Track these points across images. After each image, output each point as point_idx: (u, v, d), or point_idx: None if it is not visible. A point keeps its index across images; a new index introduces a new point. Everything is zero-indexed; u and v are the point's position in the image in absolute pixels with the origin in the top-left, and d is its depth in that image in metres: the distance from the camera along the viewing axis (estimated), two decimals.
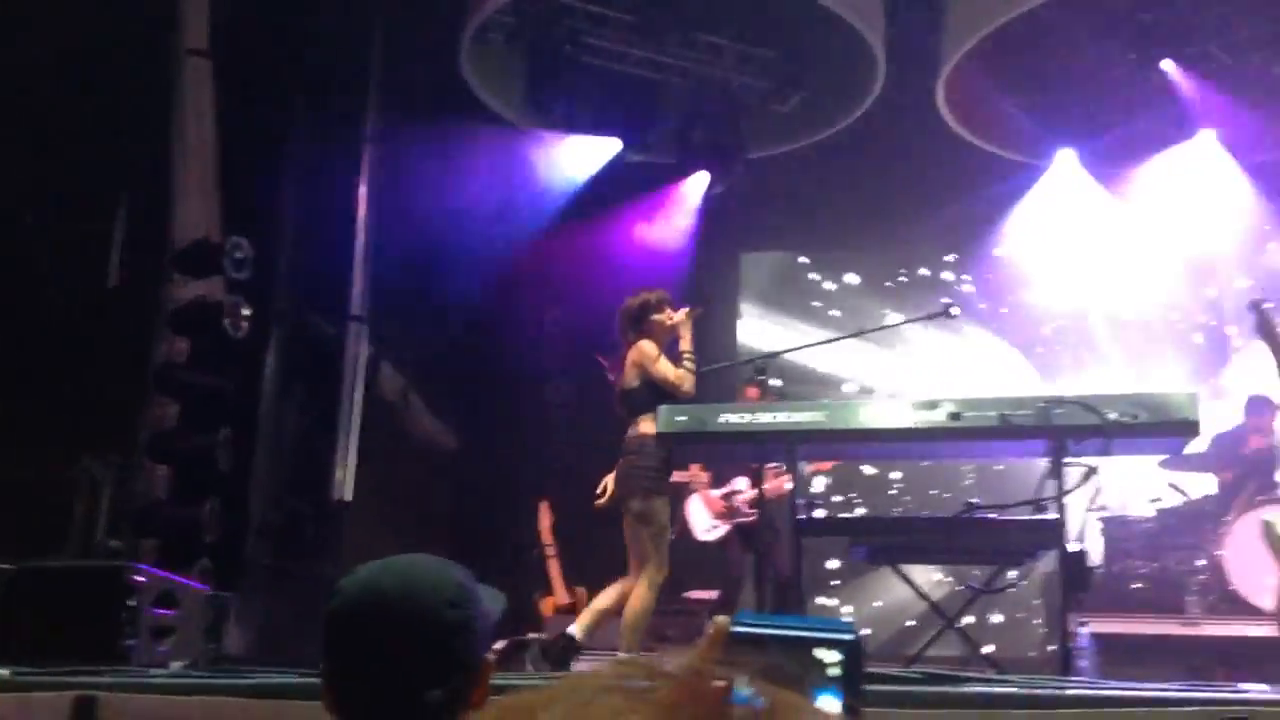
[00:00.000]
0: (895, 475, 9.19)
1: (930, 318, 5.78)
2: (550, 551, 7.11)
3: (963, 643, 4.89)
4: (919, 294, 9.41)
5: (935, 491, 8.89)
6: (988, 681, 3.50)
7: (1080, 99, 8.49)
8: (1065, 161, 8.77)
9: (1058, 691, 3.15)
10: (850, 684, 0.82)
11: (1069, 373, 8.75)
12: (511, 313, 8.64)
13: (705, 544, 7.17)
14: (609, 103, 8.19)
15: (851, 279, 9.76)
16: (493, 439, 8.36)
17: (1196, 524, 7.22)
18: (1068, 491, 4.26)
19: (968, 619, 5.03)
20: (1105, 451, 4.36)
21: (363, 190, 7.18)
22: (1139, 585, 7.31)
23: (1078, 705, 3.11)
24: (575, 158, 8.39)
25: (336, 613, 1.57)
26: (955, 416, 4.38)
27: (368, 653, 1.54)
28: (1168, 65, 7.93)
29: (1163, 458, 7.12)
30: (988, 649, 6.31)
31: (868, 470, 8.95)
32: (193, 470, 5.60)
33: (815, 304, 9.76)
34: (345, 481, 6.55)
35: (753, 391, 7.52)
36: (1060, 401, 4.25)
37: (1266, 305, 4.79)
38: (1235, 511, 6.81)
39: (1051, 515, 4.22)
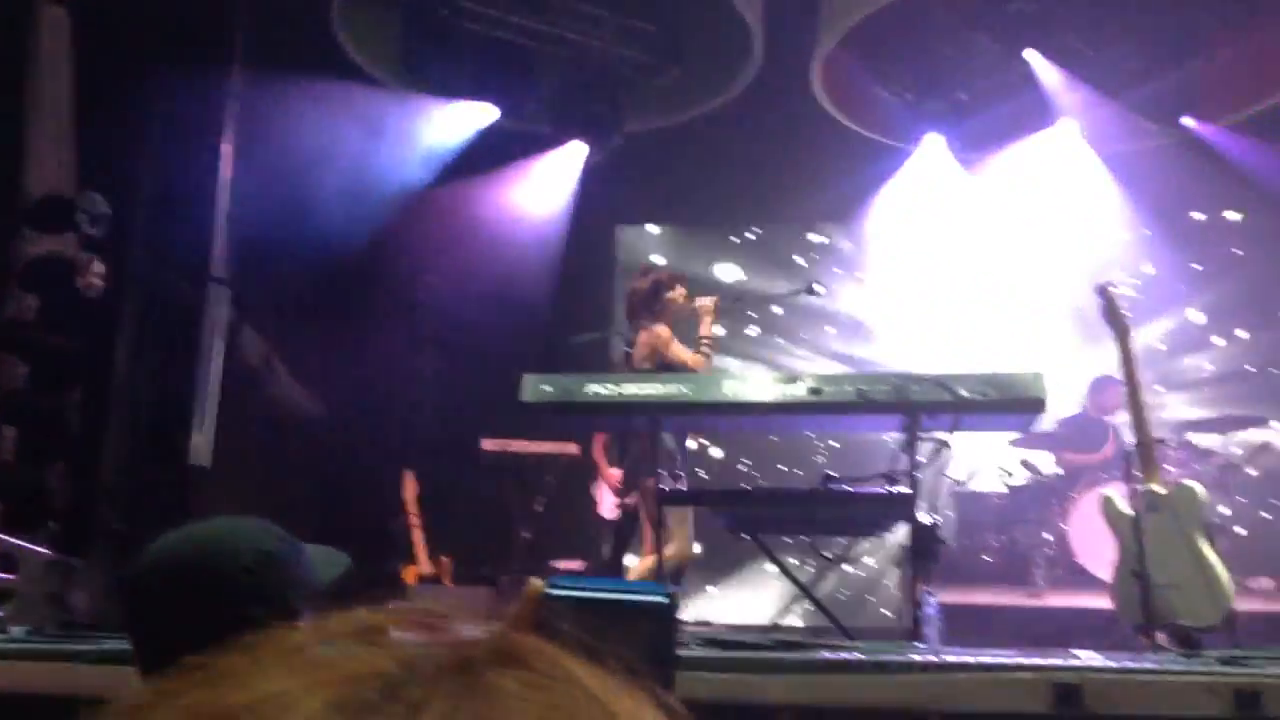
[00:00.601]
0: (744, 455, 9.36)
1: (794, 294, 5.87)
2: (414, 521, 7.07)
3: (819, 612, 5.00)
4: (787, 270, 9.58)
5: (784, 467, 9.05)
6: (836, 648, 3.60)
7: (948, 85, 8.68)
8: (932, 146, 8.98)
9: (902, 658, 3.26)
10: (660, 647, 0.84)
11: (928, 350, 8.99)
12: (380, 279, 8.52)
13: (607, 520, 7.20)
14: (485, 69, 8.08)
15: (725, 253, 9.87)
16: (359, 407, 8.25)
17: (1045, 500, 7.52)
18: (921, 465, 4.40)
19: (837, 590, 5.18)
20: (957, 427, 4.51)
21: (226, 149, 6.97)
22: (989, 558, 7.60)
23: (921, 670, 3.22)
24: (449, 123, 8.28)
25: (131, 578, 1.53)
26: (815, 391, 4.48)
27: (161, 619, 1.49)
28: (1031, 54, 8.16)
29: (1015, 436, 7.41)
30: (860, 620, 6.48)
31: (715, 453, 9.10)
32: (40, 432, 5.41)
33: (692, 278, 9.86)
34: (202, 447, 6.39)
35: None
36: (915, 378, 4.38)
37: (1114, 289, 4.98)
38: (1080, 488, 7.12)
39: (904, 488, 4.35)
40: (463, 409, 7.86)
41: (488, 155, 8.40)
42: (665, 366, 5.25)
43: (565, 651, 0.51)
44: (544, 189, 8.86)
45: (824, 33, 7.88)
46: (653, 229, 10.03)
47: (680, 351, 5.31)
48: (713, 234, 9.94)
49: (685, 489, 5.34)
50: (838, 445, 8.75)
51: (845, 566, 6.78)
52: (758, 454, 9.12)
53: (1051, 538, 7.28)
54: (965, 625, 6.96)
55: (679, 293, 5.47)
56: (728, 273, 9.75)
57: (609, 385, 4.50)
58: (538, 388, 4.53)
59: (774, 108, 8.60)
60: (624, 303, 5.59)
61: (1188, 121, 8.50)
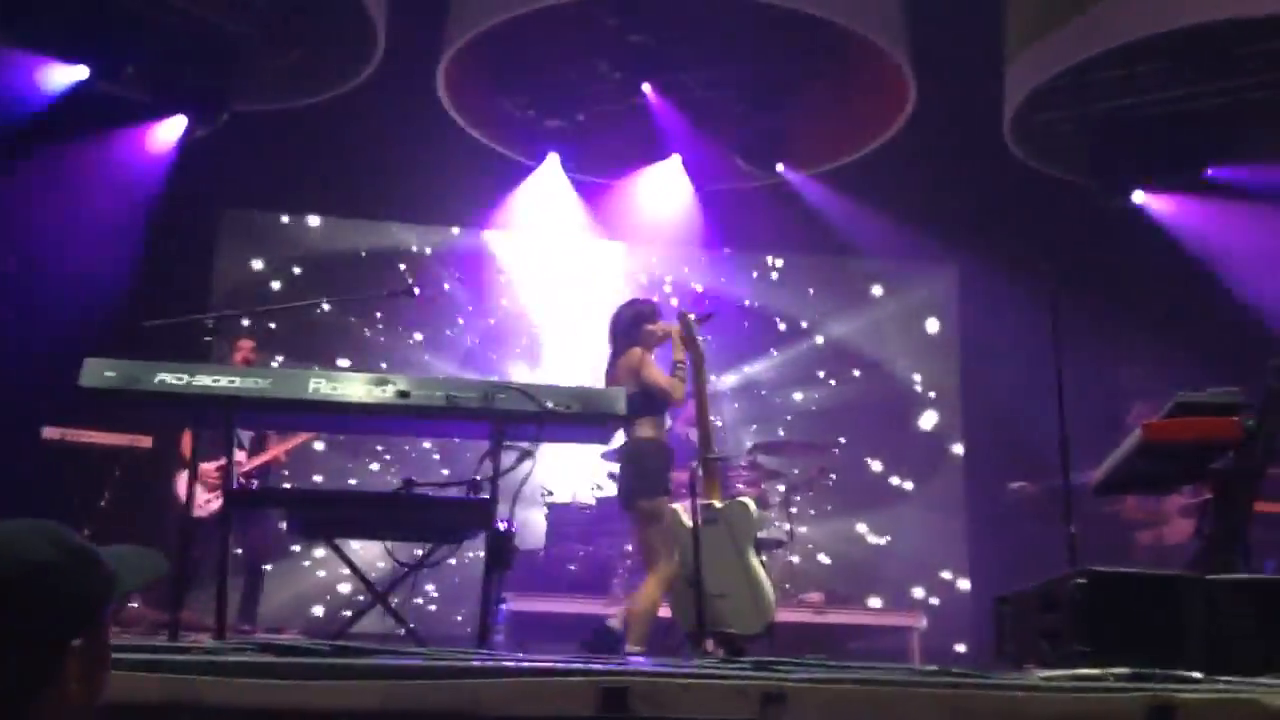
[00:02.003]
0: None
1: (393, 295, 5.79)
2: None
3: (392, 618, 4.93)
4: (389, 270, 9.52)
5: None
6: (397, 654, 3.55)
7: (568, 107, 8.92)
8: (551, 164, 9.18)
9: (457, 663, 3.26)
10: None
11: (520, 361, 9.19)
12: None
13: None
14: (81, 27, 7.44)
15: (329, 245, 9.64)
16: None
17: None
18: (504, 472, 4.44)
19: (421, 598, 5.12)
20: (540, 437, 4.59)
21: None
22: (574, 568, 7.81)
23: (473, 675, 3.22)
24: (33, 80, 7.54)
25: None
26: (404, 394, 4.41)
27: None
28: (647, 88, 8.52)
29: (605, 449, 7.66)
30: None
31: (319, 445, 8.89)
32: None
33: (296, 269, 9.55)
34: None
35: (245, 343, 7.21)
36: (503, 387, 4.42)
37: (692, 317, 5.27)
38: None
39: (484, 495, 4.37)
40: (27, 395, 7.16)
41: (77, 120, 7.71)
42: (644, 388, 5.44)
43: None
44: (139, 163, 8.24)
45: (450, 36, 7.87)
46: (257, 212, 9.63)
47: (655, 374, 5.50)
48: (328, 227, 9.70)
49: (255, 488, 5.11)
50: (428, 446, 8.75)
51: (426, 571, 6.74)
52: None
53: (631, 549, 7.58)
54: (546, 633, 7.14)
55: (659, 326, 5.67)
56: (336, 264, 9.54)
57: (180, 375, 4.23)
58: (100, 373, 4.18)
59: (401, 105, 8.50)
60: (608, 326, 5.76)
61: (780, 167, 9.16)
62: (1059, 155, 8.54)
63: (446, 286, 9.59)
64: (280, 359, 8.66)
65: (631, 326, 5.71)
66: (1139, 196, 8.60)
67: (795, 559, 8.05)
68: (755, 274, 10.13)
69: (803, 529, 7.84)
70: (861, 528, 9.66)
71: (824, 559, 9.43)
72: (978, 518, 9.35)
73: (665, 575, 5.35)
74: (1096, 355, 8.31)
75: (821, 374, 10.02)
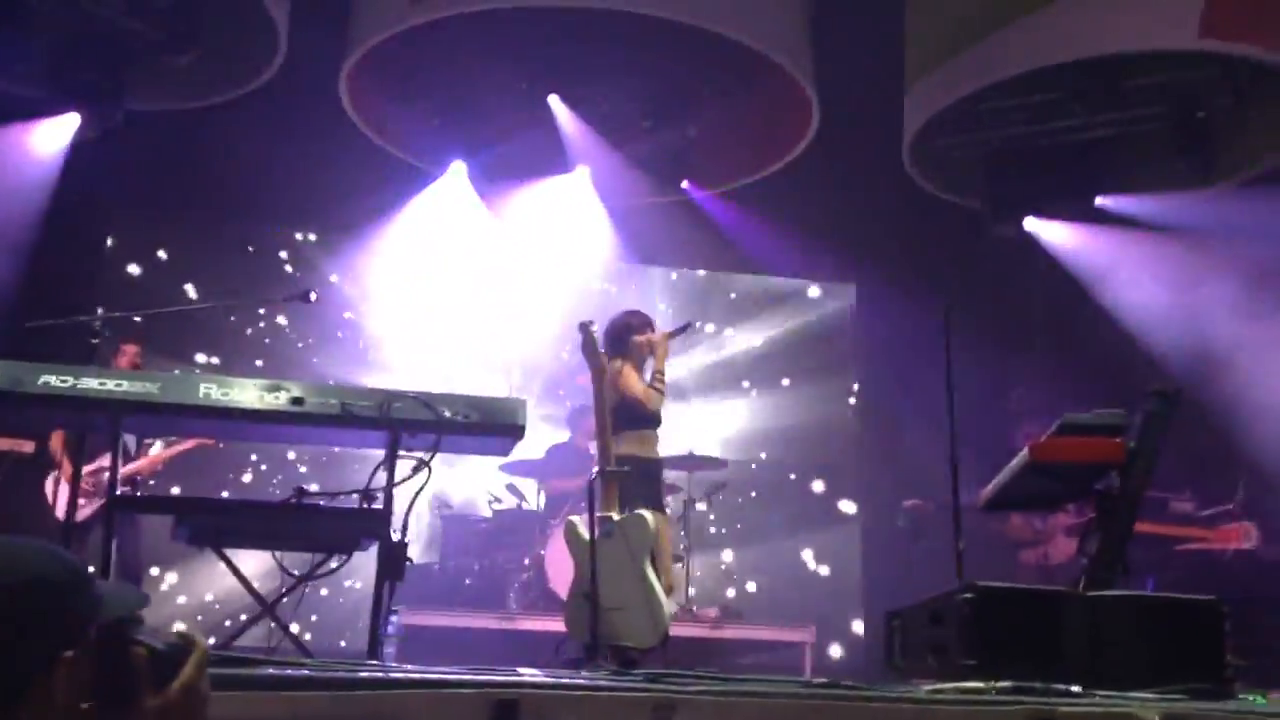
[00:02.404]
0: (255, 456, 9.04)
1: (289, 299, 5.69)
2: None
3: (279, 629, 4.84)
4: (278, 274, 9.38)
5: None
6: (284, 665, 3.48)
7: (474, 116, 8.88)
8: (456, 173, 9.12)
9: (344, 674, 3.20)
10: None
11: (411, 372, 9.13)
12: None
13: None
14: None
15: (219, 246, 9.47)
16: None
17: (528, 526, 7.80)
18: (399, 483, 4.38)
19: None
20: (438, 447, 4.54)
21: None
22: (470, 581, 7.75)
23: (361, 687, 3.17)
24: None
25: None
26: (298, 401, 4.33)
27: None
28: (554, 100, 8.51)
29: (504, 461, 7.62)
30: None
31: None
32: None
33: (185, 270, 9.35)
34: None
35: (130, 347, 7.00)
36: (399, 395, 4.36)
37: (594, 328, 5.27)
38: (562, 515, 7.45)
39: (377, 506, 4.31)
40: None
41: None
42: (625, 401, 5.49)
43: None
44: (29, 160, 7.97)
45: (353, 40, 7.78)
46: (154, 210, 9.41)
47: (632, 383, 5.53)
48: (221, 228, 9.52)
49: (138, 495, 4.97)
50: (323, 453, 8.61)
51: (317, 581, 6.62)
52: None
53: (529, 562, 7.55)
54: (440, 646, 7.07)
55: (645, 337, 5.67)
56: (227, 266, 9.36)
57: (65, 378, 4.10)
58: None
59: (302, 109, 8.37)
60: (604, 334, 5.70)
61: (685, 184, 9.23)
62: (955, 181, 8.73)
63: (333, 279, 9.48)
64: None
65: (620, 336, 5.70)
66: (1031, 223, 8.83)
67: (698, 573, 8.10)
68: (659, 287, 10.18)
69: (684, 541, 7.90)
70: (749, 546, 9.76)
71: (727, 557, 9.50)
72: (873, 534, 9.49)
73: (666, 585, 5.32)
74: (988, 376, 8.50)
75: (724, 389, 10.09)
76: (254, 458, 9.03)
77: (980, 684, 3.23)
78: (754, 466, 9.73)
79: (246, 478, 8.97)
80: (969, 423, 5.28)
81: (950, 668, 3.66)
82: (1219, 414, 7.09)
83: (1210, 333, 7.51)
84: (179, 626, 1.74)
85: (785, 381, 10.14)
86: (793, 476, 10.00)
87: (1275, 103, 7.59)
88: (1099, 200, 8.56)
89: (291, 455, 9.04)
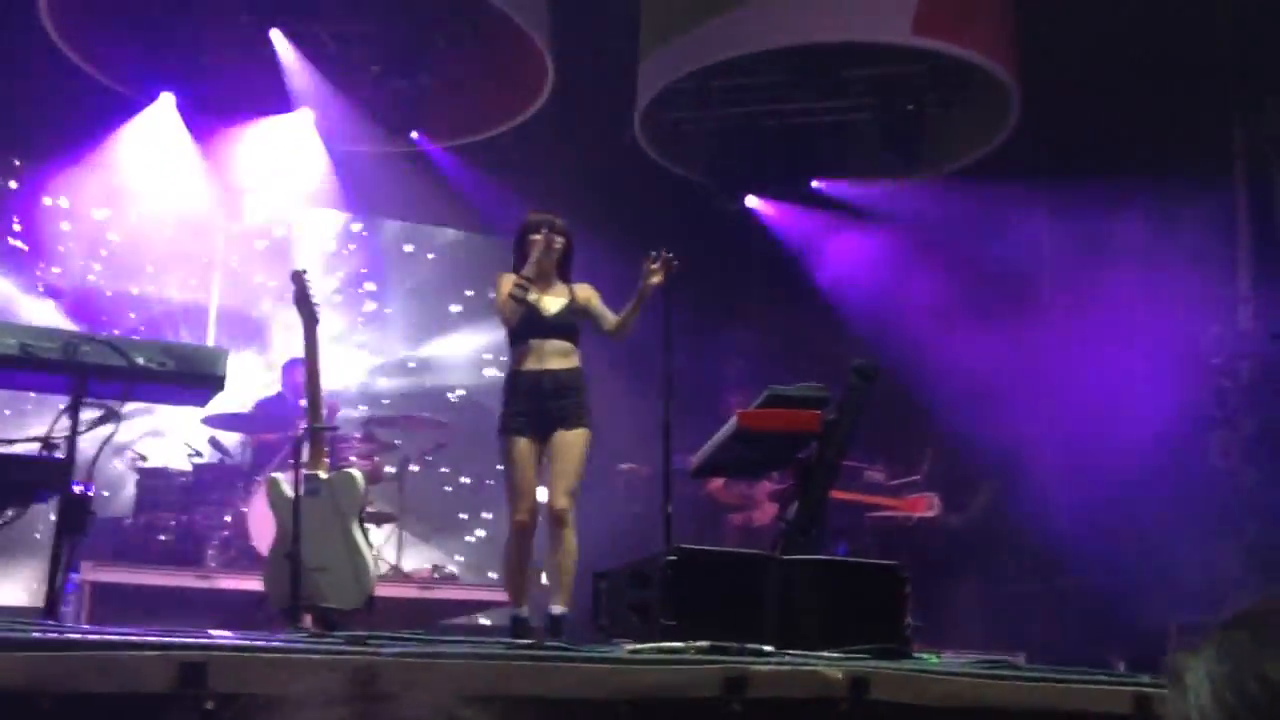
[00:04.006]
0: None
1: None
2: None
3: None
4: None
5: None
6: None
7: (190, 48, 8.32)
8: (165, 105, 8.54)
9: (18, 635, 2.96)
10: None
11: (106, 315, 8.55)
12: None
13: None
14: None
15: None
16: None
17: (230, 481, 7.45)
18: (83, 431, 4.08)
19: None
20: (129, 396, 4.26)
21: None
22: (165, 538, 7.33)
23: (40, 648, 2.94)
24: None
25: None
26: None
27: None
28: (276, 36, 8.09)
29: (206, 414, 7.24)
30: None
31: None
32: None
33: None
34: None
35: None
36: (88, 338, 4.06)
37: (307, 277, 5.07)
38: (268, 470, 7.16)
39: (59, 455, 4.00)
40: None
41: None
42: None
43: None
44: None
45: None
46: None
47: (499, 291, 5.14)
48: None
49: None
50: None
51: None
52: None
53: (230, 519, 7.22)
54: (133, 605, 6.66)
55: (537, 237, 5.11)
56: None
57: None
58: None
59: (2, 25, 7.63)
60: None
61: (415, 135, 8.99)
62: (682, 155, 8.91)
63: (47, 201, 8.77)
64: None
65: (518, 241, 5.27)
66: (751, 201, 9.14)
67: (407, 535, 7.97)
68: (384, 237, 9.93)
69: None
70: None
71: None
72: (589, 499, 9.60)
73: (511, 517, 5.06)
74: (702, 346, 8.76)
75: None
76: None
77: (679, 644, 3.31)
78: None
79: None
80: (685, 390, 5.41)
81: (652, 628, 3.75)
82: (911, 391, 7.57)
83: (907, 315, 8.00)
84: None
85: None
86: None
87: (977, 101, 8.12)
88: (814, 183, 8.96)
89: None
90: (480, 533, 9.67)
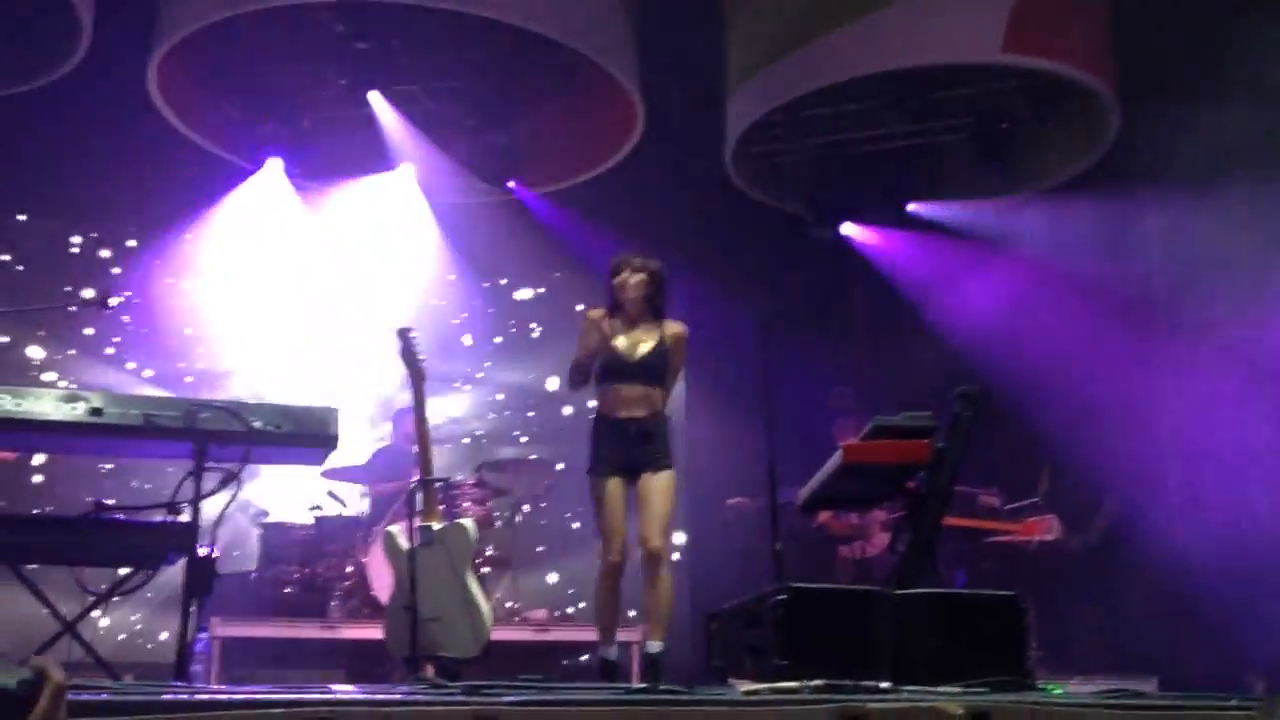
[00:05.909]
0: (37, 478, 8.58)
1: (87, 305, 5.42)
2: None
3: (83, 648, 4.61)
4: (86, 271, 9.01)
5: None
6: (84, 689, 3.32)
7: (291, 112, 8.63)
8: (272, 169, 8.84)
9: (149, 698, 3.07)
10: None
11: (226, 377, 8.80)
12: None
13: None
14: None
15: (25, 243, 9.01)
16: None
17: (349, 532, 7.61)
18: (205, 495, 4.22)
19: (104, 623, 4.79)
20: (248, 458, 4.40)
21: None
22: (290, 590, 7.51)
23: (167, 710, 3.05)
24: None
25: None
26: (97, 412, 4.15)
27: None
28: (374, 97, 8.34)
29: (326, 468, 7.42)
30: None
31: None
32: None
33: None
34: None
35: None
36: (206, 405, 4.21)
37: (413, 334, 5.18)
38: (386, 521, 7.29)
39: (184, 518, 4.15)
40: None
41: None
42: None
43: None
44: None
45: (162, 32, 7.47)
46: None
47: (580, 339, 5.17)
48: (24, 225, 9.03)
49: None
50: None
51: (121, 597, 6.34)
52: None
53: (352, 570, 7.38)
54: (262, 657, 6.84)
55: (619, 278, 5.17)
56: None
57: None
58: None
59: (110, 101, 7.98)
60: None
61: (511, 184, 9.15)
62: (775, 186, 8.91)
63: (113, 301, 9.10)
64: None
65: (607, 285, 5.27)
66: (848, 228, 9.09)
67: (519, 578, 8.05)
68: (487, 285, 10.08)
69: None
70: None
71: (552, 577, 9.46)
72: (698, 535, 9.60)
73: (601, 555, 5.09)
74: (807, 376, 8.71)
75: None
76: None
77: (794, 683, 3.29)
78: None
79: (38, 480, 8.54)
80: (792, 422, 5.38)
81: (766, 668, 3.74)
82: (1024, 412, 7.42)
83: (1020, 336, 7.85)
84: (35, 660, 1.64)
85: None
86: None
87: (1071, 116, 7.98)
88: (911, 207, 8.88)
89: (108, 466, 8.61)
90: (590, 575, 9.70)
